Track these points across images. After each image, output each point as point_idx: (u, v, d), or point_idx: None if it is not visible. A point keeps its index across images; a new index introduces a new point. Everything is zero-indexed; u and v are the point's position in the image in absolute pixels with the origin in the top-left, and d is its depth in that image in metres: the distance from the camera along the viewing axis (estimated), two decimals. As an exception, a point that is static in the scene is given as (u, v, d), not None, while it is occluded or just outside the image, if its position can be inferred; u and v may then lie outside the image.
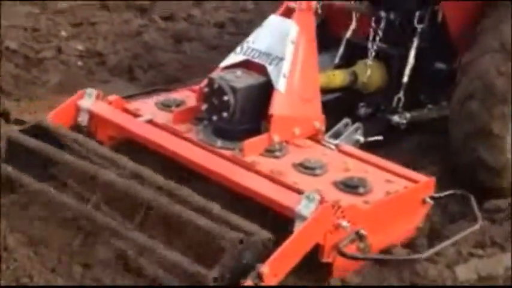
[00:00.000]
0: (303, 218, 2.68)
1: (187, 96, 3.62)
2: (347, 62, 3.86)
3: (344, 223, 2.73)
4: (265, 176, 3.02)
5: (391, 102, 3.69)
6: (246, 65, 3.32)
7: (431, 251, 2.88)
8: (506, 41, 3.26)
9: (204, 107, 3.25)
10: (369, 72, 3.68)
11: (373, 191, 2.96)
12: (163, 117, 3.44)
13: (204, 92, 3.23)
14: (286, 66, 3.20)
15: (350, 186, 2.96)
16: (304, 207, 2.70)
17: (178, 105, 3.51)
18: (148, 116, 3.43)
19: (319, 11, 3.31)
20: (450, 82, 3.62)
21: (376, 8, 3.74)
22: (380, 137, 3.54)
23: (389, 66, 3.74)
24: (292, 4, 3.27)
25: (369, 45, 3.67)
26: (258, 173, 3.05)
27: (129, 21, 6.01)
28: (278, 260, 2.56)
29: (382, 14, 3.68)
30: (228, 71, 3.29)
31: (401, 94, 3.66)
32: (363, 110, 3.73)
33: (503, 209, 3.26)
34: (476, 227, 3.02)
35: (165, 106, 3.52)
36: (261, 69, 3.27)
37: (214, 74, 3.26)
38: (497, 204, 3.32)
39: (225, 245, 2.60)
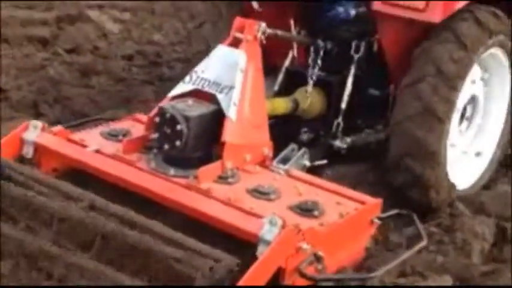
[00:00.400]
0: (267, 243, 2.75)
1: (133, 126, 3.63)
2: (285, 89, 3.99)
3: (305, 245, 2.81)
4: (223, 203, 3.08)
5: (330, 127, 3.83)
6: (195, 94, 3.39)
7: (384, 269, 3.01)
8: (441, 66, 3.46)
9: (154, 136, 3.28)
10: (310, 99, 3.82)
11: (326, 213, 3.07)
12: (111, 147, 3.41)
13: (155, 122, 3.25)
14: (236, 94, 3.29)
15: (305, 210, 3.05)
16: (267, 232, 2.77)
17: (124, 135, 3.51)
18: (95, 146, 3.39)
19: (264, 42, 3.43)
20: (384, 108, 3.84)
21: (314, 37, 3.91)
22: (324, 161, 3.69)
23: (328, 92, 3.89)
24: (239, 35, 3.37)
25: (309, 73, 3.81)
26: (214, 199, 3.10)
27: (31, 55, 5.72)
28: (246, 285, 2.61)
29: (321, 43, 3.84)
30: (179, 101, 3.33)
31: (340, 119, 3.81)
32: (305, 136, 3.85)
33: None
34: (423, 243, 3.19)
35: (112, 136, 3.51)
36: (210, 98, 3.34)
37: (165, 104, 3.30)
38: (414, 232, 3.44)
39: (195, 274, 2.62)
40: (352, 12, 4.01)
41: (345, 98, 3.80)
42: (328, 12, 4.04)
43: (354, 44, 3.81)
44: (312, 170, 3.63)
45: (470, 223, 3.54)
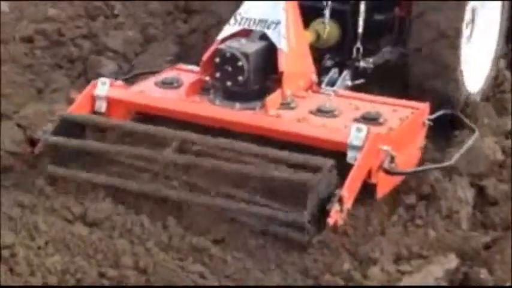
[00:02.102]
0: (356, 148, 3.12)
1: (179, 74, 3.91)
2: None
3: (385, 147, 3.19)
4: (299, 122, 3.40)
5: (350, 52, 4.07)
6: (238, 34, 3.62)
7: (456, 156, 3.43)
8: None
9: (217, 75, 3.51)
10: (328, 28, 4.02)
11: (389, 120, 3.43)
12: (171, 93, 3.72)
13: (215, 62, 3.50)
14: (283, 28, 3.57)
15: (370, 119, 3.39)
16: (355, 138, 3.12)
17: (177, 82, 3.79)
18: (158, 94, 3.71)
19: None
20: (391, 29, 4.25)
21: None
22: (362, 80, 4.03)
23: (343, 21, 4.13)
24: None
25: (324, 4, 4.04)
26: (289, 121, 3.42)
27: None
28: (350, 184, 3.01)
29: None
30: (231, 41, 3.56)
31: (358, 44, 4.06)
32: (329, 62, 4.10)
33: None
34: (476, 133, 3.65)
35: (166, 84, 3.80)
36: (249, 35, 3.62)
37: (221, 45, 3.52)
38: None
39: (305, 188, 2.94)
40: None
41: (360, 23, 4.04)
42: None
43: None
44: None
45: (451, 189, 3.49)
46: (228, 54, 3.47)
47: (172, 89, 3.76)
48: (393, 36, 4.25)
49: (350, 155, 3.13)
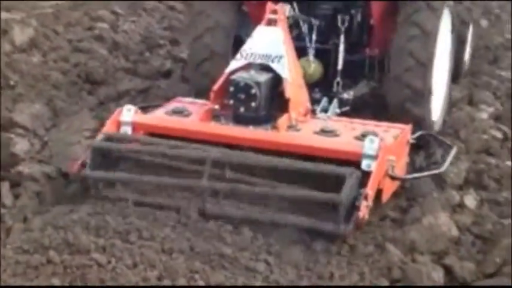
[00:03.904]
0: (371, 157, 3.59)
1: (183, 105, 4.28)
2: None
3: (391, 157, 3.70)
4: (312, 138, 3.85)
5: (331, 86, 4.67)
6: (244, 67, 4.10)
7: (446, 164, 3.98)
8: (424, 27, 4.43)
9: (230, 102, 3.95)
10: (313, 65, 4.62)
11: (385, 137, 3.87)
12: (187, 120, 4.09)
13: (230, 91, 3.96)
14: (286, 61, 4.07)
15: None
16: (369, 149, 3.61)
17: (187, 111, 4.16)
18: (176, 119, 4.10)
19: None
20: (363, 66, 4.85)
21: (307, 16, 4.72)
22: (348, 107, 4.58)
23: (326, 59, 4.71)
24: (273, 16, 4.18)
25: (308, 45, 4.63)
26: (302, 138, 3.86)
27: None
28: (372, 185, 3.54)
29: (313, 20, 4.67)
30: (241, 72, 4.03)
31: (339, 79, 4.67)
32: (318, 94, 4.64)
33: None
34: (454, 149, 4.20)
35: (177, 113, 4.16)
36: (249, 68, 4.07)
37: (234, 76, 3.99)
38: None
39: (342, 175, 3.44)
40: None
41: (340, 61, 4.67)
42: None
43: (340, 18, 4.70)
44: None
45: (424, 271, 3.39)
46: (241, 84, 3.92)
47: (185, 117, 4.12)
48: (366, 72, 4.89)
49: (365, 162, 3.60)
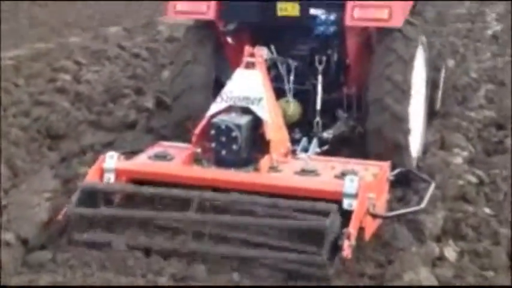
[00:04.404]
0: (351, 196, 3.59)
1: (165, 149, 4.26)
2: None
3: (371, 195, 3.68)
4: (293, 179, 3.85)
5: (311, 125, 4.67)
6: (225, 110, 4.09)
7: (424, 201, 3.92)
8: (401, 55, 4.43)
9: (212, 145, 3.97)
10: (292, 106, 4.62)
11: (365, 175, 3.86)
12: (170, 164, 4.08)
13: (211, 134, 3.97)
14: (266, 103, 4.07)
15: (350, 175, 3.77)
16: (349, 187, 3.59)
17: (169, 155, 4.14)
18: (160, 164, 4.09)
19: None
20: (341, 105, 4.85)
21: (284, 57, 4.71)
22: (327, 146, 4.56)
23: (304, 99, 4.73)
24: (251, 59, 4.20)
25: (286, 86, 4.60)
26: (283, 179, 3.87)
27: None
28: (354, 224, 3.52)
29: (291, 62, 4.66)
30: (222, 115, 4.03)
31: (318, 118, 4.66)
32: (298, 135, 4.61)
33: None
34: (433, 184, 4.16)
35: (160, 157, 4.14)
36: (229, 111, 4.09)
37: (215, 119, 3.98)
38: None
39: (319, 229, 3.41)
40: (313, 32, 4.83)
41: (319, 101, 4.68)
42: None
43: (317, 58, 4.70)
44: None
45: None
46: (223, 127, 3.92)
47: (168, 161, 4.11)
48: (344, 111, 4.88)
49: (346, 201, 3.60)
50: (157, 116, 5.93)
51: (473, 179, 4.74)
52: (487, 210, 4.35)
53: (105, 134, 5.65)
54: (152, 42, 9.08)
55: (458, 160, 5.05)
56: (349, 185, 3.60)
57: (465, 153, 5.22)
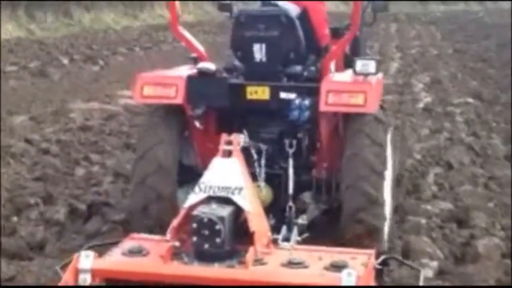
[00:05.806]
0: None
1: (138, 243, 3.98)
2: None
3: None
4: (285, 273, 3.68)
5: (284, 210, 4.51)
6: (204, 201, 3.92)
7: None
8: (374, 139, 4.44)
9: (194, 239, 3.76)
10: (264, 191, 4.53)
11: (354, 266, 3.75)
12: (147, 261, 3.80)
13: (193, 228, 3.76)
14: (246, 192, 3.95)
15: (339, 267, 3.71)
16: (347, 281, 3.48)
17: (144, 250, 3.87)
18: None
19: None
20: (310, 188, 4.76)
21: (255, 141, 4.63)
22: (307, 234, 4.38)
23: (276, 183, 4.64)
24: (227, 147, 4.11)
25: (258, 170, 4.50)
26: (276, 273, 3.69)
27: None
28: None
29: (261, 145, 4.60)
30: (202, 207, 3.85)
31: (290, 203, 4.54)
32: (272, 221, 4.45)
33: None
34: (422, 272, 4.08)
35: (135, 253, 3.86)
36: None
37: (196, 212, 3.80)
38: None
39: None
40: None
41: (291, 185, 4.57)
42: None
43: (287, 142, 4.65)
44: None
45: None
46: (205, 220, 3.75)
47: (143, 257, 3.85)
48: (314, 194, 4.82)
49: None
50: (70, 231, 5.24)
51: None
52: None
53: (6, 264, 4.58)
54: (64, 132, 8.34)
55: (429, 273, 4.66)
56: (347, 279, 3.49)
57: (435, 263, 4.78)
